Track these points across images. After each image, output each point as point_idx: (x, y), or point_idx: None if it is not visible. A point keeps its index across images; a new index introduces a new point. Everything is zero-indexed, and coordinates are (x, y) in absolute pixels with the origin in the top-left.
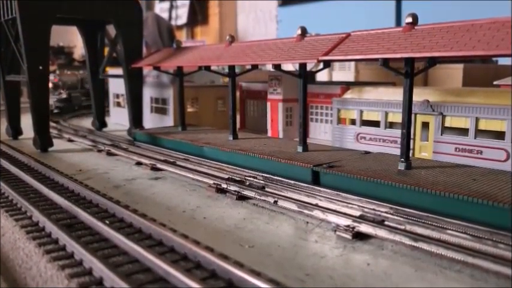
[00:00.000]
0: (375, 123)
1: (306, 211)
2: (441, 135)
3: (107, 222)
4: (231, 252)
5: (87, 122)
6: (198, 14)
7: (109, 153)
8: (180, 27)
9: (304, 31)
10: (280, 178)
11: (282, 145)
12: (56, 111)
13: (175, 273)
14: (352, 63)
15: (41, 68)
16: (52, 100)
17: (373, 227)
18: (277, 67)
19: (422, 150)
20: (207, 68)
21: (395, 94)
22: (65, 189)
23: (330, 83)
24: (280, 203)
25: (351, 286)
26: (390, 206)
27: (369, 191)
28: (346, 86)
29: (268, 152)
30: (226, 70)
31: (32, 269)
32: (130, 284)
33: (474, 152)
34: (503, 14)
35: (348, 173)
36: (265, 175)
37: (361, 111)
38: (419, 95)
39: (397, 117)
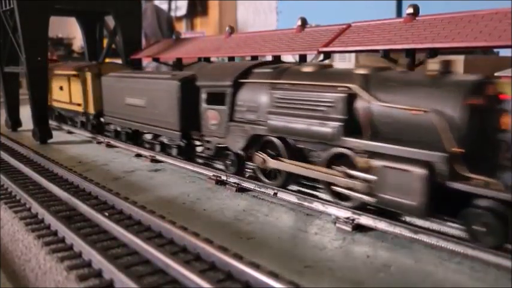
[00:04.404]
0: None
1: (305, 203)
2: None
3: (106, 214)
4: (231, 244)
5: None
6: (198, 5)
7: (108, 145)
8: (179, 19)
9: (304, 22)
10: None
11: None
12: None
13: (174, 265)
14: (353, 55)
15: (39, 59)
16: None
17: (373, 219)
18: (277, 58)
19: None
20: (207, 60)
21: None
22: (65, 181)
23: None
24: (280, 194)
25: (351, 278)
26: None
27: None
28: None
29: None
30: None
31: (31, 260)
32: (130, 276)
33: None
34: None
35: None
36: None
37: None
38: None
39: None
